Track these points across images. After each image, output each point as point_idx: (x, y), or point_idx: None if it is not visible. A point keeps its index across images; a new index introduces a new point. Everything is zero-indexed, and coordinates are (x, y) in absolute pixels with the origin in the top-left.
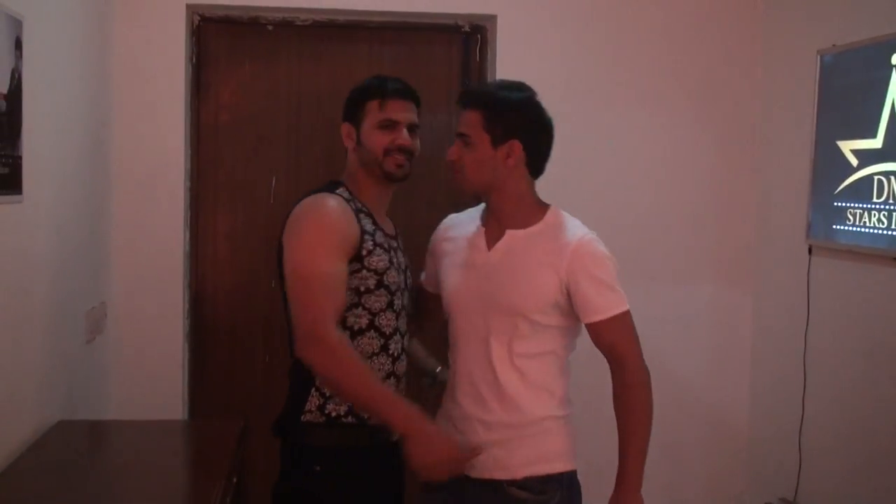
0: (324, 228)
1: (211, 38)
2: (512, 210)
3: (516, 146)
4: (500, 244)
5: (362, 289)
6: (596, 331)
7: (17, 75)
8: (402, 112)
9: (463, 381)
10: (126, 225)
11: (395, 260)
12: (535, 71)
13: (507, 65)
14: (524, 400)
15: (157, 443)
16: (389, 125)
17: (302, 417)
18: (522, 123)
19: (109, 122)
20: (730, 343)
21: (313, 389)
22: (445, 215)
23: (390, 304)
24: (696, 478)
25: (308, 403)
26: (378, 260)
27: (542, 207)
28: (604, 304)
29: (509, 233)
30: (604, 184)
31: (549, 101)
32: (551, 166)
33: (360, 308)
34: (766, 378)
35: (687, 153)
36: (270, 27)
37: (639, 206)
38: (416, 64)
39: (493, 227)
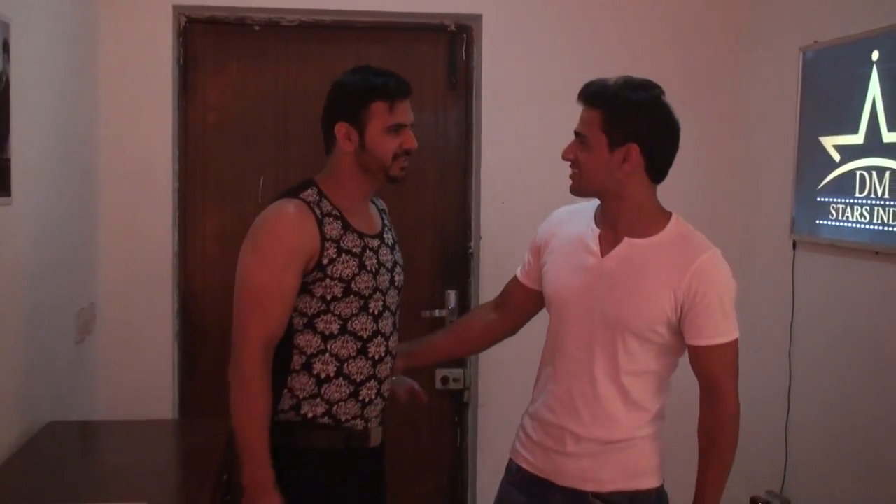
0: (274, 241)
1: (197, 39)
2: (630, 217)
3: (634, 150)
4: (616, 252)
5: (329, 297)
6: (696, 354)
7: (4, 78)
8: (409, 112)
9: (559, 389)
10: (115, 226)
11: (370, 262)
12: (521, 69)
13: (494, 64)
14: (621, 417)
15: (148, 442)
16: (398, 129)
17: (276, 417)
18: (643, 127)
19: (97, 124)
20: None
21: (284, 390)
22: (431, 213)
23: (364, 308)
24: (683, 472)
25: (281, 403)
26: (343, 268)
27: (664, 216)
28: (712, 330)
29: (627, 241)
30: None
31: (536, 99)
32: (538, 166)
33: (329, 314)
34: (752, 372)
35: None
36: (257, 28)
37: None
38: (403, 63)
39: (609, 232)
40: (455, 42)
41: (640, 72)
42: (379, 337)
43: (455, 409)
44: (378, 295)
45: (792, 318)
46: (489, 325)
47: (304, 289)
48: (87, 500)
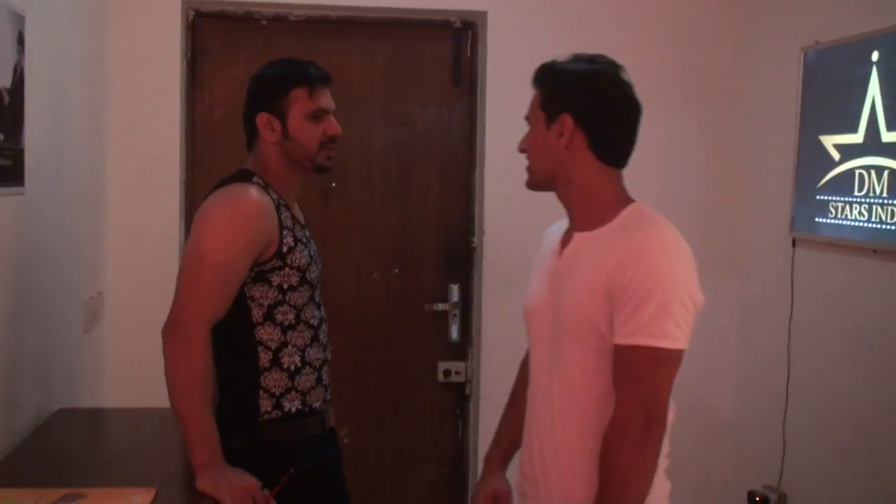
0: (240, 220)
1: (205, 33)
2: (581, 207)
3: (567, 120)
4: (568, 249)
5: (286, 286)
6: (617, 356)
7: (19, 70)
8: (329, 99)
9: (527, 434)
10: (123, 216)
11: (312, 252)
12: (526, 66)
13: (498, 60)
14: (579, 458)
15: (155, 429)
16: (320, 115)
17: (259, 419)
18: (575, 95)
19: (107, 116)
20: (715, 334)
21: (260, 391)
22: (435, 208)
23: (312, 298)
24: (681, 467)
25: (261, 406)
26: (300, 256)
27: (621, 204)
28: (623, 325)
29: (577, 236)
30: None
31: None
32: None
33: (285, 305)
34: (751, 368)
35: (674, 148)
36: (264, 22)
37: None
38: (408, 60)
39: (570, 229)
40: (460, 39)
41: (643, 71)
42: (324, 324)
43: (456, 402)
44: (319, 284)
45: (791, 315)
46: None
47: (261, 277)
48: (95, 483)
